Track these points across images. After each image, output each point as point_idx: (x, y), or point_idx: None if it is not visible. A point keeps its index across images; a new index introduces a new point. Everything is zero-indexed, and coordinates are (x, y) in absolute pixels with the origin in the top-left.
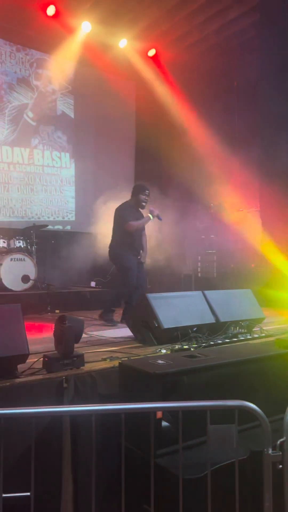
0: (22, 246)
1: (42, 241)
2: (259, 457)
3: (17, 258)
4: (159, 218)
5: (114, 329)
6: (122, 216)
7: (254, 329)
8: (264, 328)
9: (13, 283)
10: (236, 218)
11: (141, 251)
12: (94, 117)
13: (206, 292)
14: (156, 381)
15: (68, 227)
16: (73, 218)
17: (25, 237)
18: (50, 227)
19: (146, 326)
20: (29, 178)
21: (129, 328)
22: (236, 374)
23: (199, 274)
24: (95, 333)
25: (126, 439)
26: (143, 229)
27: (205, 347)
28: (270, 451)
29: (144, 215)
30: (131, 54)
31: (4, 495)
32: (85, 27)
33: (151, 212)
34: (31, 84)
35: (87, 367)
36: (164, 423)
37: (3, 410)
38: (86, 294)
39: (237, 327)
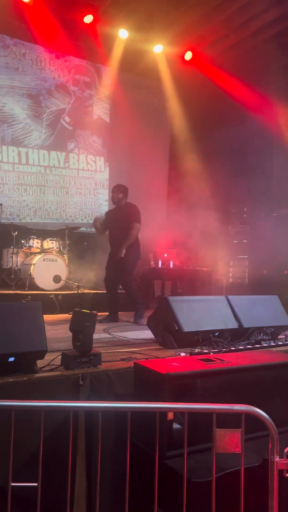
0: (54, 247)
1: (74, 242)
2: None
3: (49, 259)
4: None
5: (137, 331)
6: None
7: (279, 337)
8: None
9: (45, 283)
10: (270, 223)
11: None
12: (129, 122)
13: (230, 297)
14: (168, 383)
15: None
16: None
17: (58, 239)
18: (83, 229)
19: (166, 329)
20: (64, 181)
21: (151, 330)
22: (253, 380)
23: (230, 280)
24: (118, 334)
25: (139, 439)
26: (117, 226)
27: (225, 352)
28: (277, 459)
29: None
30: (166, 59)
31: (12, 483)
32: (122, 34)
33: None
34: (68, 89)
35: (105, 366)
36: (175, 425)
37: (14, 402)
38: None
39: (261, 334)
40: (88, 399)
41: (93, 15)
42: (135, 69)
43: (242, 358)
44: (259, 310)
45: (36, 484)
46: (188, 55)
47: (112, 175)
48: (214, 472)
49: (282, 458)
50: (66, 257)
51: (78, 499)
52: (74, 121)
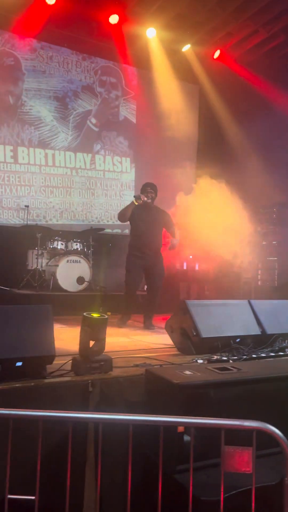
0: (79, 249)
1: (99, 244)
2: None
3: (73, 260)
4: (139, 199)
5: (157, 335)
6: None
7: None
8: None
9: (68, 284)
10: None
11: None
12: (156, 122)
13: (252, 301)
14: (179, 393)
15: (126, 231)
16: None
17: (82, 240)
18: (108, 230)
19: (184, 334)
20: (90, 182)
21: (169, 335)
22: (272, 391)
23: (259, 282)
24: (137, 337)
25: (151, 451)
26: (154, 223)
27: (245, 359)
28: None
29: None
30: (194, 58)
31: (9, 496)
32: (149, 33)
33: (135, 197)
34: (95, 91)
35: (118, 372)
36: (186, 437)
37: (11, 410)
38: (137, 298)
39: (286, 341)
40: (97, 406)
41: (119, 14)
42: (161, 68)
43: (262, 368)
44: (284, 316)
45: (33, 498)
46: (217, 53)
47: (138, 176)
48: (222, 492)
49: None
50: (90, 259)
51: (88, 509)
52: (100, 123)
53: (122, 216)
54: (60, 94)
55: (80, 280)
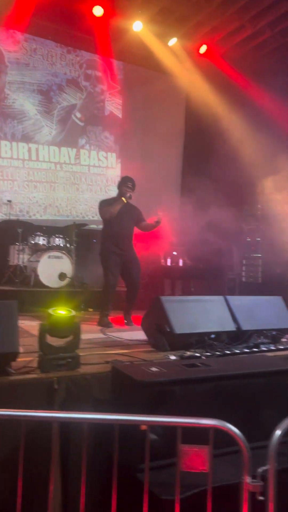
0: (61, 245)
1: (83, 240)
2: None
3: (55, 256)
4: (130, 198)
5: (133, 331)
6: (99, 207)
7: (282, 340)
8: None
9: (50, 280)
10: (284, 220)
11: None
12: (142, 117)
13: (228, 297)
14: (142, 390)
15: None
16: None
17: (65, 236)
18: (93, 226)
19: (159, 331)
20: (75, 177)
21: (144, 331)
22: (240, 388)
23: (243, 279)
24: (113, 334)
25: (114, 449)
26: (130, 219)
27: (219, 356)
28: (248, 480)
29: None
30: (180, 52)
31: None
32: (136, 27)
33: (123, 195)
34: (80, 85)
35: (87, 369)
36: (152, 436)
37: None
38: (120, 294)
39: (261, 337)
40: (63, 404)
41: (105, 7)
42: (148, 63)
43: (231, 364)
44: (261, 312)
45: None
46: (203, 49)
47: (124, 172)
48: (177, 492)
49: (255, 479)
50: (73, 255)
51: (53, 509)
52: (85, 117)
53: (109, 214)
54: (44, 87)
55: (62, 276)
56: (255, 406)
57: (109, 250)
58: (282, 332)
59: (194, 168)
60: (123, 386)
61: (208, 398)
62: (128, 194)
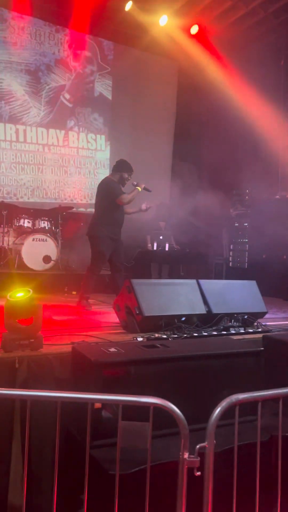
0: (46, 227)
1: (70, 223)
2: None
3: (39, 239)
4: (147, 189)
5: (111, 314)
6: (114, 190)
7: (255, 324)
8: (268, 323)
9: (34, 263)
10: (272, 206)
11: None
12: (132, 99)
13: (201, 281)
14: (96, 370)
15: None
16: None
17: (50, 218)
18: (82, 209)
19: (129, 313)
20: (63, 160)
21: (116, 313)
22: (194, 369)
23: (230, 264)
24: (89, 316)
25: (72, 426)
26: (126, 206)
27: (185, 338)
28: (186, 456)
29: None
30: (172, 32)
31: None
32: (126, 6)
33: (137, 185)
34: (69, 65)
35: (51, 349)
36: (106, 414)
37: None
38: (104, 278)
39: (232, 320)
40: (24, 383)
41: None
42: (139, 43)
43: (192, 346)
44: (233, 296)
45: None
46: (194, 29)
47: (113, 154)
48: (117, 468)
49: (193, 455)
50: (58, 238)
51: (14, 484)
52: (74, 98)
53: (127, 201)
54: (32, 67)
55: (46, 259)
56: (210, 387)
57: (106, 235)
58: (254, 316)
59: (184, 152)
60: (80, 366)
61: (163, 379)
62: (143, 185)
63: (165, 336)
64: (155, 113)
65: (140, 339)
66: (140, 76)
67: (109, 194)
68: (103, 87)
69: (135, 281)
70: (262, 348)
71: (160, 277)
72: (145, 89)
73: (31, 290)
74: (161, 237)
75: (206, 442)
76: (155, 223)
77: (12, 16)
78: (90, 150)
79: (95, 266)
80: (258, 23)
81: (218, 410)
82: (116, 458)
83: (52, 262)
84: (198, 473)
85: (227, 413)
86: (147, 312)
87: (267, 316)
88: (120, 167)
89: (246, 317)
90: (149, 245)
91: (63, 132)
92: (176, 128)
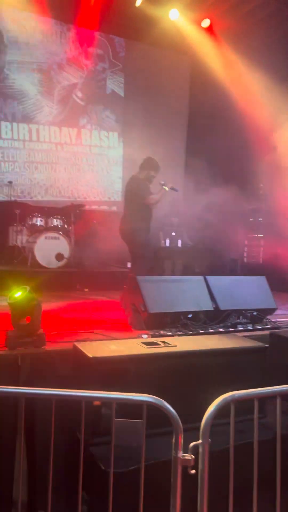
0: (59, 225)
1: (83, 221)
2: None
3: (52, 237)
4: (174, 189)
5: (119, 310)
6: (142, 190)
7: (265, 320)
8: (280, 320)
9: (47, 261)
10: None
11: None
12: (144, 95)
13: (208, 277)
14: (94, 367)
15: (114, 208)
16: (119, 199)
17: (62, 216)
18: (95, 207)
19: (135, 310)
20: (76, 158)
21: (124, 310)
22: (196, 367)
23: (245, 259)
24: (99, 313)
25: (74, 423)
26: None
27: (191, 334)
28: (179, 454)
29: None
30: (184, 26)
31: None
32: (136, 1)
33: (165, 184)
34: (81, 63)
35: (51, 346)
36: (106, 411)
37: None
38: (117, 275)
39: (240, 317)
40: (27, 380)
41: None
42: (150, 39)
43: (194, 343)
44: (242, 292)
45: None
46: (206, 23)
47: (126, 151)
48: (112, 465)
49: (187, 453)
50: (71, 235)
51: (18, 480)
52: (86, 96)
53: (154, 201)
54: (45, 66)
55: (59, 256)
56: (212, 385)
57: (145, 237)
58: (263, 312)
59: (197, 147)
60: (80, 363)
61: (162, 376)
62: (170, 185)
63: (170, 333)
64: (167, 109)
65: (145, 336)
66: (152, 72)
67: (137, 194)
68: (115, 84)
69: (140, 278)
70: (267, 345)
71: (173, 273)
72: (157, 85)
73: (29, 288)
74: (173, 233)
75: (200, 440)
76: (167, 219)
77: (24, 17)
78: (102, 147)
79: (142, 258)
80: (271, 14)
81: (212, 408)
82: (111, 456)
83: (64, 259)
84: (193, 471)
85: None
86: (153, 309)
87: (280, 312)
88: (148, 165)
89: (255, 313)
90: (162, 241)
91: (75, 130)
92: (189, 123)
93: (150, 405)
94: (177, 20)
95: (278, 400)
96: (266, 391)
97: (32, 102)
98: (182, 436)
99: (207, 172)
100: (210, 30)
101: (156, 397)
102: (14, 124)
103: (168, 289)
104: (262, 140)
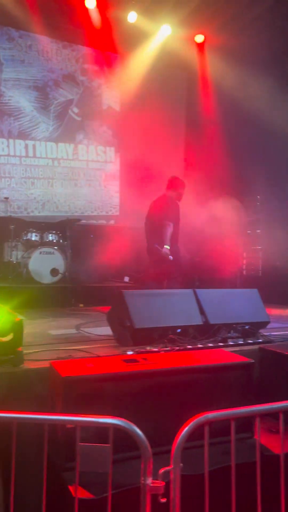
0: (54, 240)
1: (80, 235)
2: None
3: (46, 252)
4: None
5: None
6: (168, 214)
7: (257, 334)
8: (274, 333)
9: (41, 276)
10: (285, 212)
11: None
12: (141, 110)
13: (198, 290)
14: (66, 386)
15: (112, 222)
16: (117, 213)
17: (58, 231)
18: (93, 221)
19: (122, 325)
20: (73, 173)
21: (110, 326)
22: (176, 384)
23: (244, 272)
24: (86, 329)
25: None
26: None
27: (178, 350)
28: (148, 481)
29: None
30: (178, 42)
31: None
32: (130, 17)
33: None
34: (76, 79)
35: (30, 365)
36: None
37: None
38: (112, 290)
39: (231, 331)
40: (4, 400)
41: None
42: (145, 54)
43: (177, 359)
44: (233, 305)
45: None
46: (200, 38)
47: (123, 166)
48: (77, 491)
49: (157, 479)
50: (67, 250)
51: None
52: (82, 112)
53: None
54: (40, 83)
55: (54, 272)
56: (195, 403)
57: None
58: (255, 325)
59: (195, 160)
60: (55, 382)
61: (140, 395)
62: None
63: (155, 349)
64: (164, 122)
65: (130, 352)
66: (148, 86)
67: (165, 214)
68: (111, 100)
69: (126, 292)
70: (253, 361)
71: (169, 287)
72: (153, 99)
73: (8, 309)
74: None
75: (172, 466)
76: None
77: (20, 35)
78: (99, 162)
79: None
80: (266, 28)
81: (185, 431)
82: (76, 482)
83: (59, 275)
84: (163, 500)
85: (217, 431)
86: (139, 324)
87: (276, 325)
88: (176, 184)
89: (247, 327)
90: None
91: (72, 145)
92: (187, 136)
93: (117, 429)
94: (172, 35)
95: (258, 420)
96: (244, 411)
97: (29, 119)
98: (152, 461)
99: (204, 184)
100: (204, 45)
101: (124, 420)
102: (11, 141)
103: (156, 304)
104: (260, 152)
